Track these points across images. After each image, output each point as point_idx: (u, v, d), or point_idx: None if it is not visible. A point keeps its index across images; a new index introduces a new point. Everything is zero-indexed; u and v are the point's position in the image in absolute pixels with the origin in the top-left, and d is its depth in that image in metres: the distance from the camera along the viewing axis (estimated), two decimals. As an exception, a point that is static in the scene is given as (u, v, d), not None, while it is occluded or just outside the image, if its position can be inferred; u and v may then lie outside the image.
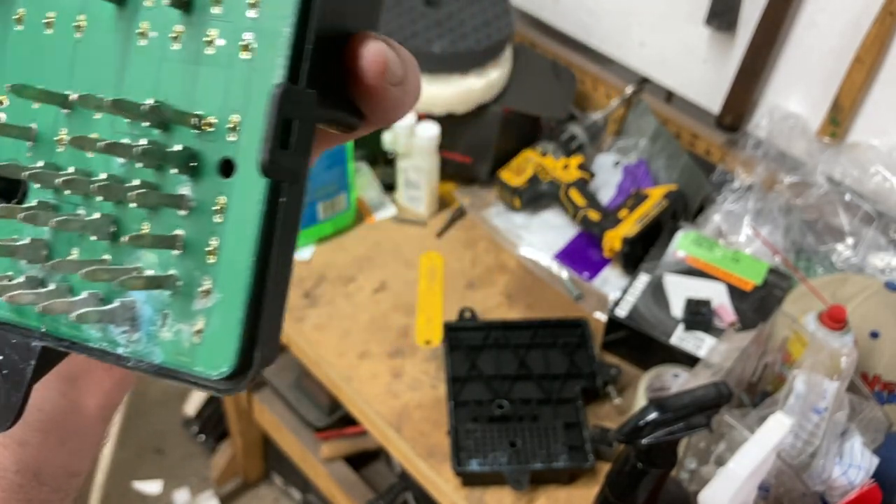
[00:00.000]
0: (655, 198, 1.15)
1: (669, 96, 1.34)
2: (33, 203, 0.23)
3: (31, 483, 0.33)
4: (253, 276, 0.21)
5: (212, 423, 1.77)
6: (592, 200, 1.19)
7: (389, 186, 1.26)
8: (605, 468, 0.85)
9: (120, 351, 0.23)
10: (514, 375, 0.99)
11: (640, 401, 0.92)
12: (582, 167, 1.22)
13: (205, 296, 0.21)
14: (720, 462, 0.81)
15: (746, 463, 0.69)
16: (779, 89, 1.17)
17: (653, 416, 0.70)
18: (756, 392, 0.91)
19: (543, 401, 0.96)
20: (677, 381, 0.95)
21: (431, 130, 1.14)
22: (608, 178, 1.28)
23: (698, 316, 0.99)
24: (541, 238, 1.20)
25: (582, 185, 1.20)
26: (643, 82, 1.32)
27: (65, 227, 0.22)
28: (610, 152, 1.33)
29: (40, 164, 0.23)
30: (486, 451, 0.91)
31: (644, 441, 0.71)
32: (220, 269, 0.21)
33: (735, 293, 1.04)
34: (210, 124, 0.22)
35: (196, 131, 0.22)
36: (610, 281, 1.15)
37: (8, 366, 0.23)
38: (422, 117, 1.17)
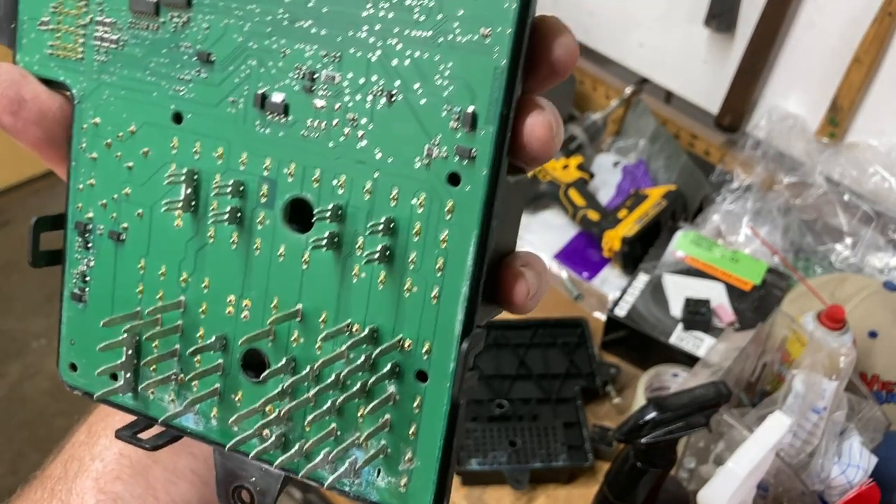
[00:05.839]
0: (655, 198, 1.15)
1: (669, 97, 1.34)
2: (277, 390, 0.31)
3: None
4: (441, 452, 0.30)
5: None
6: (592, 200, 1.19)
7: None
8: (604, 467, 0.85)
9: (346, 489, 0.32)
10: (513, 375, 0.99)
11: (640, 400, 0.92)
12: (581, 167, 1.23)
13: (408, 462, 0.31)
14: (719, 461, 0.81)
15: (745, 462, 0.69)
16: (777, 90, 1.17)
17: (652, 415, 0.70)
18: (755, 391, 0.91)
19: (543, 400, 0.96)
20: (676, 380, 0.95)
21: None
22: (607, 179, 1.28)
23: (697, 315, 0.99)
24: (540, 238, 1.20)
25: (581, 185, 1.20)
26: (642, 83, 1.33)
27: (304, 406, 0.31)
28: (609, 152, 1.33)
29: (283, 360, 0.32)
30: (485, 450, 0.91)
31: (643, 440, 0.71)
32: (419, 445, 0.30)
33: (734, 293, 1.04)
34: (409, 345, 0.30)
35: (399, 349, 0.30)
36: (609, 281, 1.15)
37: (260, 484, 0.33)
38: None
